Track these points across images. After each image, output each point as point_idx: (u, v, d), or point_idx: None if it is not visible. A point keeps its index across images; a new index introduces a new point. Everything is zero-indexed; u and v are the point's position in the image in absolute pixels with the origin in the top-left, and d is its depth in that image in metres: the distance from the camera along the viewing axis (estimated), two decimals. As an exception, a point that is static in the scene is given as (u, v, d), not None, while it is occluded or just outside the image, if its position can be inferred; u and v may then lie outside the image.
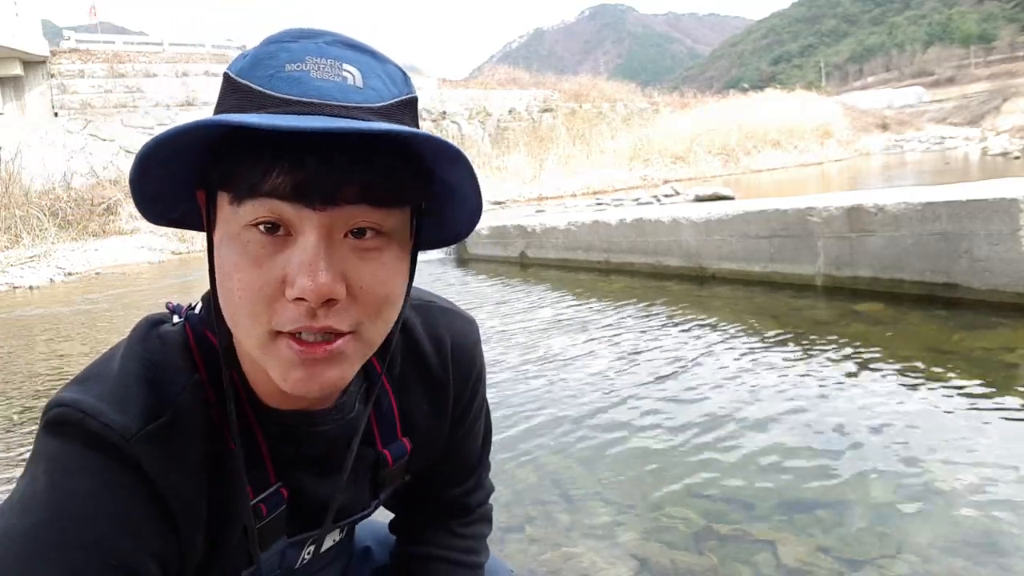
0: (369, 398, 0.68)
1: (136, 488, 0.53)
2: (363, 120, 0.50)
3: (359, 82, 0.52)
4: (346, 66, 0.52)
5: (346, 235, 0.52)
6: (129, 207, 14.54)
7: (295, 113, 0.49)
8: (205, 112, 18.28)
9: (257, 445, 0.61)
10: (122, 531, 0.52)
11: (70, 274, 10.14)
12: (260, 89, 0.50)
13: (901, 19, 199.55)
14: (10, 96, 16.50)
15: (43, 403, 0.58)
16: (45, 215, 13.28)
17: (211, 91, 18.30)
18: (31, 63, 16.75)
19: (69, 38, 19.74)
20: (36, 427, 0.56)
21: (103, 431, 0.52)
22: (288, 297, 0.50)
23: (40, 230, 12.81)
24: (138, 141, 17.26)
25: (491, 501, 0.90)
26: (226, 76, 0.54)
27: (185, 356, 0.59)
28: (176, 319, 0.63)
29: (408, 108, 0.55)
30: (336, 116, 0.49)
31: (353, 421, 0.65)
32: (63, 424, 0.53)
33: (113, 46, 19.83)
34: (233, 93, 0.52)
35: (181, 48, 20.44)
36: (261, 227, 0.50)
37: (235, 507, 0.60)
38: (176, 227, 0.62)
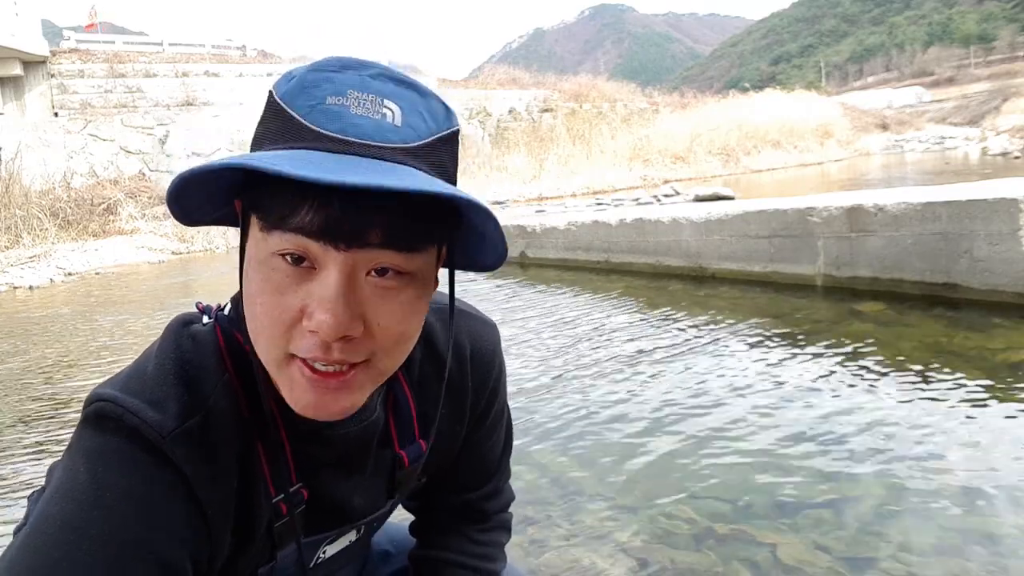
0: (388, 401, 0.69)
1: (172, 485, 0.55)
2: (396, 163, 0.51)
3: (398, 120, 0.52)
4: (387, 102, 0.52)
5: (368, 273, 0.52)
6: (129, 207, 14.54)
7: (330, 151, 0.50)
8: (205, 112, 18.22)
9: (281, 445, 0.62)
10: (160, 526, 0.53)
11: (70, 274, 10.13)
12: (300, 119, 0.52)
13: (901, 19, 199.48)
14: (10, 96, 16.49)
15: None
16: (45, 215, 13.26)
17: (211, 91, 18.28)
18: (31, 63, 16.74)
19: (69, 38, 19.71)
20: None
21: (142, 427, 0.54)
22: (305, 328, 0.51)
23: (40, 230, 12.79)
24: (138, 141, 17.27)
25: (511, 510, 0.90)
26: (270, 96, 0.55)
27: (216, 356, 0.61)
28: (206, 319, 0.65)
29: (447, 144, 0.56)
30: (370, 157, 0.50)
31: (373, 424, 0.67)
32: (103, 418, 0.55)
33: (113, 46, 19.80)
34: (275, 118, 0.54)
35: (181, 48, 20.42)
36: (287, 258, 0.52)
37: (258, 505, 0.62)
38: (213, 225, 0.63)
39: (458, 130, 0.58)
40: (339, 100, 0.51)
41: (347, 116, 0.51)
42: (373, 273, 0.52)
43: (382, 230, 0.50)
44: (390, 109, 0.52)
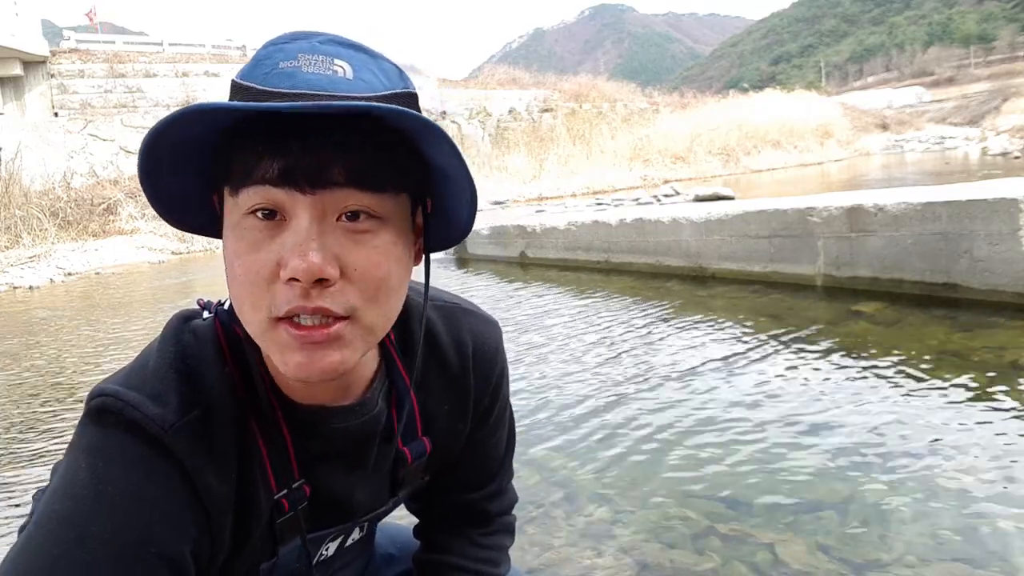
0: (391, 397, 0.69)
1: (174, 479, 0.55)
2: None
3: (349, 75, 0.53)
4: (337, 61, 0.53)
5: (339, 218, 0.53)
6: (129, 207, 14.54)
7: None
8: (205, 112, 18.29)
9: (282, 439, 0.63)
10: (161, 520, 0.53)
11: (70, 274, 10.14)
12: (256, 86, 0.53)
13: (901, 19, 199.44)
14: (10, 96, 16.49)
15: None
16: (45, 215, 13.26)
17: (211, 91, 18.29)
18: (31, 63, 16.74)
19: (69, 38, 19.71)
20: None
21: (143, 421, 0.54)
22: (282, 278, 0.51)
23: (40, 230, 12.80)
24: (138, 141, 17.10)
25: (514, 512, 0.89)
26: (232, 82, 0.56)
27: (216, 350, 0.61)
28: (206, 315, 0.65)
29: (404, 101, 0.56)
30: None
31: (375, 418, 0.66)
32: (104, 413, 0.55)
33: (113, 46, 19.81)
34: (235, 95, 0.55)
35: (181, 48, 20.43)
36: (259, 214, 0.52)
37: (259, 500, 0.62)
38: (200, 234, 0.64)
39: (415, 94, 0.58)
40: (291, 64, 0.53)
41: (299, 75, 0.52)
42: (344, 218, 0.53)
43: (344, 168, 0.51)
44: (340, 67, 0.53)
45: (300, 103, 0.47)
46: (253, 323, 0.54)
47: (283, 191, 0.51)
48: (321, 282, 0.51)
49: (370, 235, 0.54)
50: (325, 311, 0.52)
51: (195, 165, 0.56)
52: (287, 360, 0.53)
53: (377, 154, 0.52)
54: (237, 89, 0.54)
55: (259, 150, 0.50)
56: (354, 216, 0.53)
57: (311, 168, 0.50)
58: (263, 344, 0.55)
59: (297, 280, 0.50)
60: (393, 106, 0.50)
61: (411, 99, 0.57)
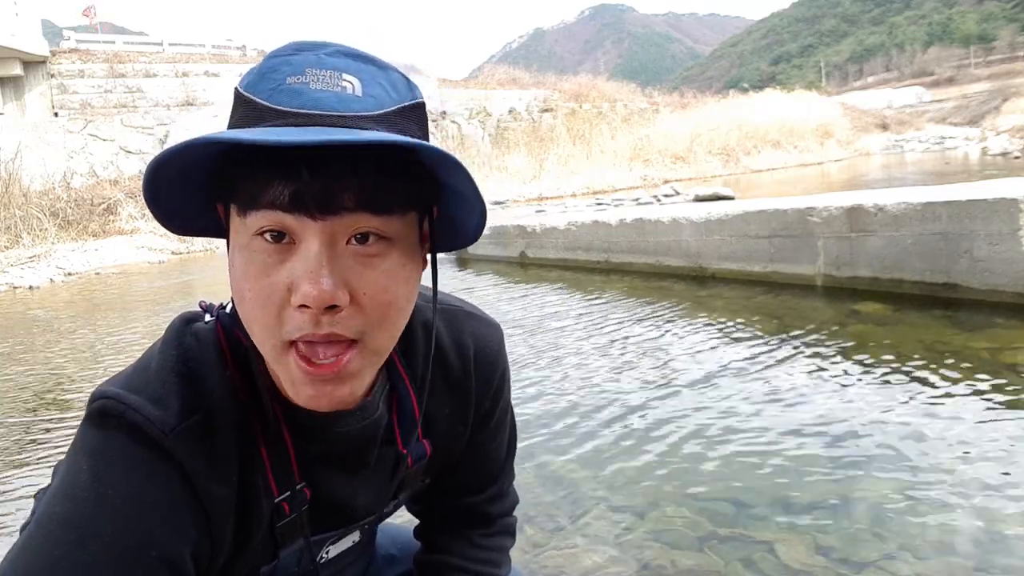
0: (391, 400, 0.69)
1: (174, 481, 0.55)
2: (359, 129, 0.50)
3: (358, 91, 0.53)
4: (345, 76, 0.53)
5: (349, 241, 0.52)
6: (129, 207, 14.54)
7: (293, 125, 0.50)
8: (204, 112, 18.21)
9: (283, 443, 0.62)
10: (161, 522, 0.53)
11: (70, 274, 10.14)
12: (262, 103, 0.52)
13: (901, 19, 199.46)
14: (10, 96, 16.49)
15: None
16: (45, 215, 13.26)
17: (211, 91, 18.29)
18: (31, 63, 16.75)
19: (69, 38, 19.71)
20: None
21: (144, 424, 0.54)
22: (293, 304, 0.51)
23: (40, 230, 12.80)
24: (138, 141, 17.28)
25: (515, 514, 0.89)
26: (235, 91, 0.55)
27: (217, 353, 0.61)
28: (208, 317, 0.65)
29: (412, 113, 0.56)
30: (333, 126, 0.50)
31: (376, 422, 0.66)
32: (106, 416, 0.55)
33: (113, 46, 19.81)
34: (240, 107, 0.54)
35: (181, 48, 20.43)
36: (267, 236, 0.52)
37: (260, 504, 0.62)
38: (202, 236, 0.64)
39: (423, 103, 0.58)
40: (298, 79, 0.52)
41: (307, 92, 0.51)
42: (353, 241, 0.52)
43: (354, 193, 0.50)
44: (349, 82, 0.52)
45: (309, 138, 0.46)
46: (265, 345, 0.54)
47: (292, 216, 0.50)
48: (332, 308, 0.51)
49: (379, 259, 0.53)
50: (335, 336, 0.52)
51: (197, 185, 0.56)
52: (298, 392, 0.54)
53: (387, 178, 0.52)
54: (241, 101, 0.54)
55: (264, 173, 0.50)
56: (363, 238, 0.52)
57: (321, 194, 0.50)
58: (275, 368, 0.55)
59: (308, 307, 0.50)
60: (406, 139, 0.49)
61: (419, 109, 0.57)
